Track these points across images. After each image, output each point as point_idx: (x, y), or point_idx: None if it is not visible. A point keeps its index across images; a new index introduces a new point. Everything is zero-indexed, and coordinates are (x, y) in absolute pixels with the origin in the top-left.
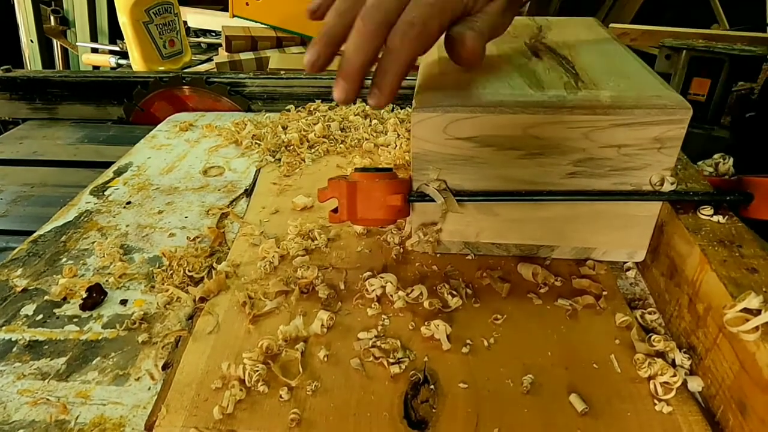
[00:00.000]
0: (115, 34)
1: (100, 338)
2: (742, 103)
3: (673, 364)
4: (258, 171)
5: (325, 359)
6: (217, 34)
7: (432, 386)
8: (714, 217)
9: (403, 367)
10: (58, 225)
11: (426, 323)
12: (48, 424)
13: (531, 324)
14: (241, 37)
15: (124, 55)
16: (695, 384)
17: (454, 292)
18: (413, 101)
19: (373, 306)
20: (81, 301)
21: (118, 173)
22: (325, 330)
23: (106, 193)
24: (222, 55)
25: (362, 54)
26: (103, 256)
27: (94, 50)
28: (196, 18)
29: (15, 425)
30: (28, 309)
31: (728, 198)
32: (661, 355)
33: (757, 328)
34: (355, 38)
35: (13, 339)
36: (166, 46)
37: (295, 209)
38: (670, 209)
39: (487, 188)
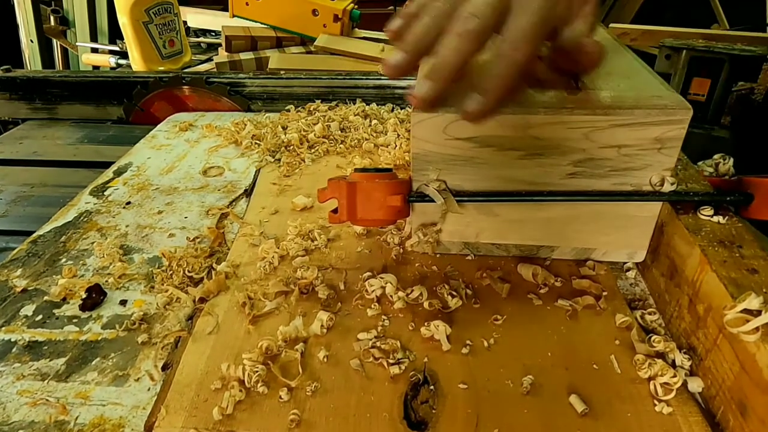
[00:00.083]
0: (115, 34)
1: (99, 339)
2: (742, 104)
3: (674, 365)
4: (258, 171)
5: (325, 360)
6: (217, 34)
7: (432, 387)
8: (714, 217)
9: (403, 367)
10: (58, 225)
11: (426, 324)
12: (47, 424)
13: (531, 324)
14: (241, 37)
15: (124, 55)
16: (695, 385)
17: (454, 293)
18: None
19: (372, 306)
20: (80, 302)
21: (118, 173)
22: (324, 330)
23: (105, 193)
24: (222, 55)
25: (460, 56)
26: (103, 257)
27: (94, 50)
28: (196, 18)
29: (14, 426)
30: (28, 309)
31: (728, 198)
32: (661, 355)
33: (757, 328)
34: (454, 41)
35: (12, 339)
36: (165, 46)
37: (294, 209)
38: (670, 209)
39: (487, 189)
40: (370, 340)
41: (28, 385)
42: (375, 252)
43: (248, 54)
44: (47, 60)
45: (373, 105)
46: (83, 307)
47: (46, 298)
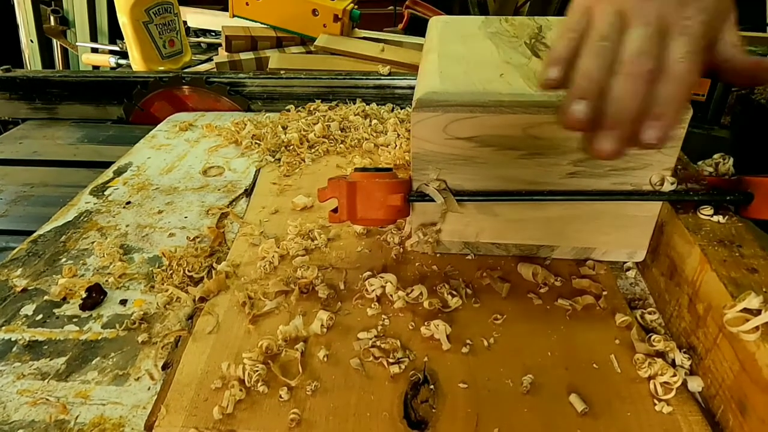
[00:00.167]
0: (115, 34)
1: (99, 338)
2: (742, 104)
3: (673, 364)
4: (258, 171)
5: (325, 359)
6: (217, 34)
7: (432, 386)
8: (714, 217)
9: (403, 367)
10: (58, 225)
11: (426, 323)
12: (48, 424)
13: (531, 324)
14: (241, 37)
15: (124, 55)
16: (695, 384)
17: (454, 292)
18: (413, 101)
19: (372, 306)
20: (81, 301)
21: (118, 173)
22: (324, 330)
23: (105, 193)
24: (222, 55)
25: (637, 98)
26: (103, 256)
27: (94, 50)
28: (196, 18)
29: (15, 425)
30: (28, 309)
31: (728, 198)
32: (661, 355)
33: (757, 328)
34: (628, 84)
35: (12, 339)
36: (166, 46)
37: (295, 209)
38: (670, 209)
39: (487, 188)
40: (370, 339)
41: (29, 384)
42: (375, 251)
43: (248, 54)
44: (47, 60)
45: (373, 105)
46: (83, 307)
47: (46, 297)
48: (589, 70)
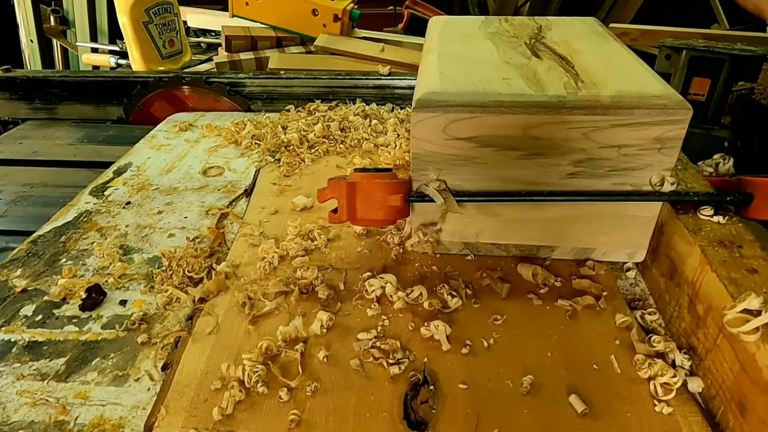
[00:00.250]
0: (115, 34)
1: (99, 339)
2: (742, 104)
3: (673, 365)
4: (258, 171)
5: (325, 360)
6: (217, 34)
7: (432, 387)
8: (714, 217)
9: (403, 367)
10: (58, 225)
11: (426, 324)
12: (47, 424)
13: (531, 324)
14: (241, 37)
15: (123, 55)
16: (695, 385)
17: (454, 293)
18: (413, 101)
19: (372, 306)
20: (80, 302)
21: (118, 173)
22: (324, 330)
23: (105, 193)
24: (222, 55)
25: None
26: (103, 257)
27: (94, 50)
28: (196, 18)
29: (14, 426)
30: (28, 309)
31: (728, 198)
32: (661, 355)
33: (757, 328)
34: None
35: (12, 339)
36: (165, 46)
37: (294, 209)
38: (670, 209)
39: (487, 188)
40: (370, 340)
41: (28, 385)
42: (375, 252)
43: (248, 54)
44: (47, 60)
45: (373, 105)
46: (83, 307)
47: (46, 298)
48: None
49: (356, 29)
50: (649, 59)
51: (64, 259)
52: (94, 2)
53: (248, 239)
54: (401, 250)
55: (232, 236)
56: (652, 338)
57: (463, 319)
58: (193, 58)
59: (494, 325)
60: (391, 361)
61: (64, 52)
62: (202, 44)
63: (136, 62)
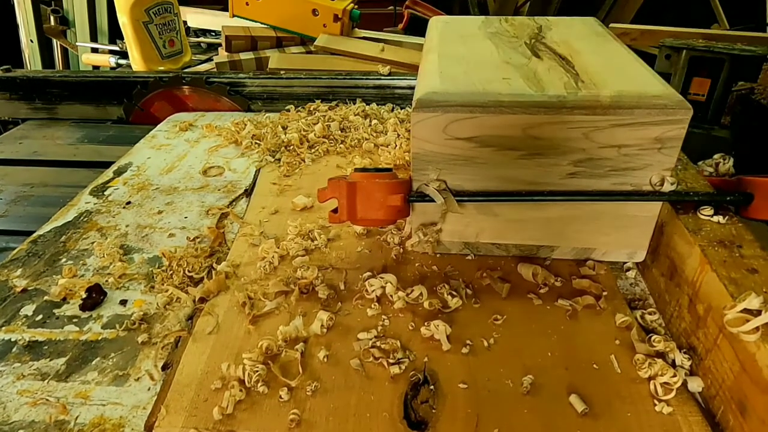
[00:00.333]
0: (115, 34)
1: (99, 339)
2: (742, 104)
3: (673, 365)
4: (258, 171)
5: (325, 360)
6: (217, 34)
7: (432, 387)
8: (714, 217)
9: (403, 367)
10: (58, 225)
11: (426, 323)
12: (47, 424)
13: (531, 324)
14: (241, 37)
15: (124, 55)
16: (695, 384)
17: (454, 293)
18: (413, 101)
19: (373, 306)
20: (81, 302)
21: (118, 173)
22: (324, 330)
23: (105, 193)
24: (222, 55)
25: None
26: (103, 257)
27: (94, 50)
28: (196, 18)
29: (15, 425)
30: (28, 309)
31: (728, 198)
32: (661, 355)
33: (757, 328)
34: None
35: (12, 339)
36: (166, 46)
37: (295, 209)
38: (670, 209)
39: (487, 188)
40: (370, 339)
41: (29, 384)
42: (375, 252)
43: (248, 54)
44: (47, 60)
45: (373, 105)
46: (83, 307)
47: (46, 297)
48: None
49: (356, 29)
50: (649, 59)
51: (64, 259)
52: (94, 2)
53: (248, 239)
54: (401, 249)
55: (232, 236)
56: (652, 338)
57: (463, 318)
58: (193, 58)
59: (494, 325)
60: (391, 361)
61: (64, 52)
62: (202, 44)
63: (136, 62)
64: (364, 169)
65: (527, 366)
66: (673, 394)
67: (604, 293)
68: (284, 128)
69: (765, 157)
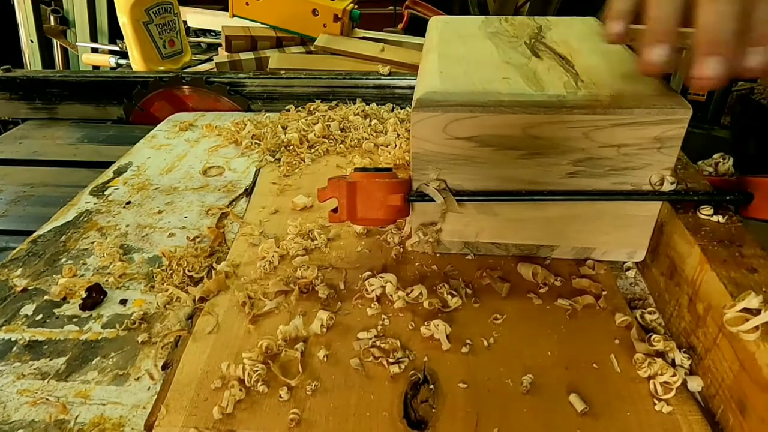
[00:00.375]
0: (115, 34)
1: (99, 338)
2: (742, 104)
3: (673, 364)
4: (258, 171)
5: (325, 359)
6: (217, 34)
7: (432, 386)
8: (714, 216)
9: (403, 367)
10: (58, 225)
11: (426, 323)
12: (47, 424)
13: (531, 324)
14: (241, 37)
15: (124, 55)
16: (695, 384)
17: (454, 292)
18: (413, 101)
19: (372, 306)
20: (81, 301)
21: (118, 173)
22: (324, 330)
23: (105, 193)
24: (222, 55)
25: (731, 18)
26: (103, 256)
27: (94, 50)
28: (196, 18)
29: (14, 425)
30: (28, 309)
31: (728, 198)
32: (660, 354)
33: (756, 327)
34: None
35: (12, 339)
36: (166, 46)
37: (294, 209)
38: (670, 209)
39: (486, 188)
40: (370, 339)
41: (29, 384)
42: (375, 251)
43: (248, 54)
44: (47, 60)
45: (373, 105)
46: (83, 307)
47: (46, 297)
48: (663, 13)
49: (356, 29)
50: None
51: (64, 259)
52: (94, 2)
53: (248, 239)
54: (401, 249)
55: (232, 236)
56: (652, 337)
57: (463, 318)
58: (193, 58)
59: (494, 325)
60: (391, 361)
61: (64, 52)
62: (202, 44)
63: (136, 62)
64: (364, 169)
65: (527, 365)
66: (672, 393)
67: (604, 293)
68: (284, 128)
69: (765, 157)
